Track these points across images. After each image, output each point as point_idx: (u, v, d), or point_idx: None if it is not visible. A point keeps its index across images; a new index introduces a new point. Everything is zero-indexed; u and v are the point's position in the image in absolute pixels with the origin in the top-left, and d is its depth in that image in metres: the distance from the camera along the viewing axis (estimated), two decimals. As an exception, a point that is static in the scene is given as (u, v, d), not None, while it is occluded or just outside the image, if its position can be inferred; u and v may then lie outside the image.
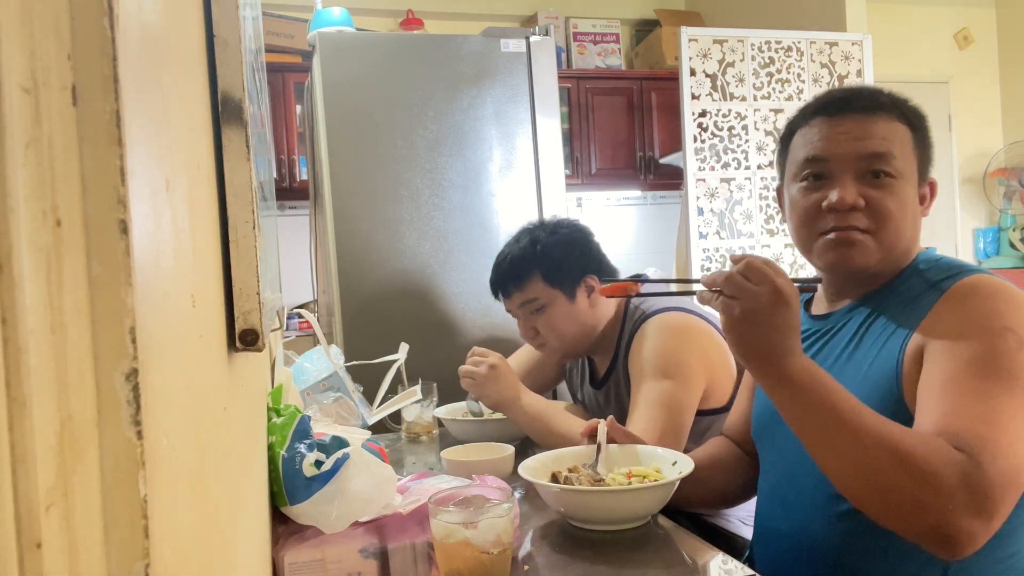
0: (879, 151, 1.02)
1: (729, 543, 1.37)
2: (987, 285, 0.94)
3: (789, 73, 3.45)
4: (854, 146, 1.02)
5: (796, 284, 0.91)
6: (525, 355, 1.81)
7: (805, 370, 0.87)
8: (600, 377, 1.64)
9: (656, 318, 1.50)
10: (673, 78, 3.58)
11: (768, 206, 3.48)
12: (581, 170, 4.17)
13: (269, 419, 0.94)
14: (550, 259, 1.55)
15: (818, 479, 0.92)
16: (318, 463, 0.87)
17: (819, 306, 1.15)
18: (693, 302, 1.62)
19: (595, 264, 1.59)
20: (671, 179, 4.12)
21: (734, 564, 0.97)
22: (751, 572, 0.92)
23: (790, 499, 1.08)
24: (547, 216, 1.76)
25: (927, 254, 1.07)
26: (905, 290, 1.02)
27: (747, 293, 0.87)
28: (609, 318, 1.60)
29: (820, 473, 0.91)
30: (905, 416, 0.93)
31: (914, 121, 1.07)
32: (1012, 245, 4.80)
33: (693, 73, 3.30)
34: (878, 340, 1.00)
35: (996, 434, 0.82)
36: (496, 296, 1.65)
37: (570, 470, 1.17)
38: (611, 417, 1.26)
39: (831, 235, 1.03)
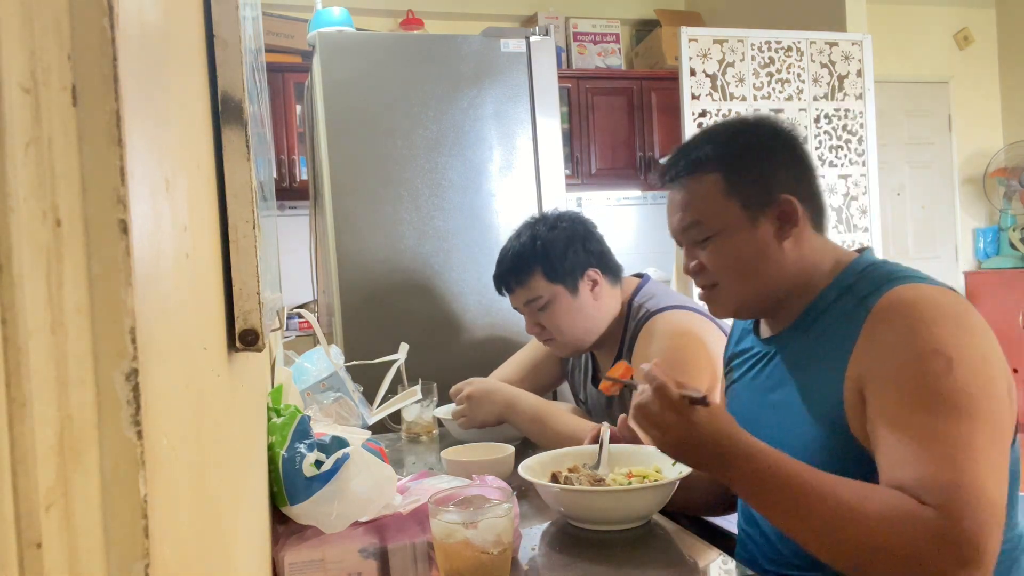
0: (685, 224, 1.07)
1: (729, 543, 1.37)
2: (910, 300, 0.90)
3: (789, 73, 3.45)
4: (674, 222, 1.09)
5: (688, 397, 0.88)
6: (525, 356, 1.81)
7: (752, 471, 0.85)
8: (604, 376, 1.64)
9: (661, 316, 1.50)
10: (673, 78, 3.58)
11: (768, 206, 3.48)
12: (581, 170, 4.17)
13: (269, 419, 0.94)
14: (550, 255, 1.55)
15: None
16: (318, 463, 0.87)
17: (765, 330, 1.14)
18: (695, 300, 1.62)
19: (597, 257, 1.58)
20: (671, 179, 4.11)
21: (734, 564, 0.97)
22: (751, 572, 0.93)
23: None
24: (550, 209, 1.75)
25: (858, 262, 1.02)
26: (834, 311, 0.99)
27: (652, 428, 0.90)
28: (614, 315, 1.59)
29: None
30: (854, 448, 0.91)
31: (728, 160, 1.04)
32: (1012, 245, 4.80)
33: (693, 73, 3.30)
34: (816, 371, 0.99)
35: (957, 475, 0.79)
36: (500, 292, 1.65)
37: (570, 470, 1.17)
38: (623, 417, 1.25)
39: (700, 290, 1.12)
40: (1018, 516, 0.97)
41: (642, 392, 0.91)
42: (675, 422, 0.87)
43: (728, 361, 1.23)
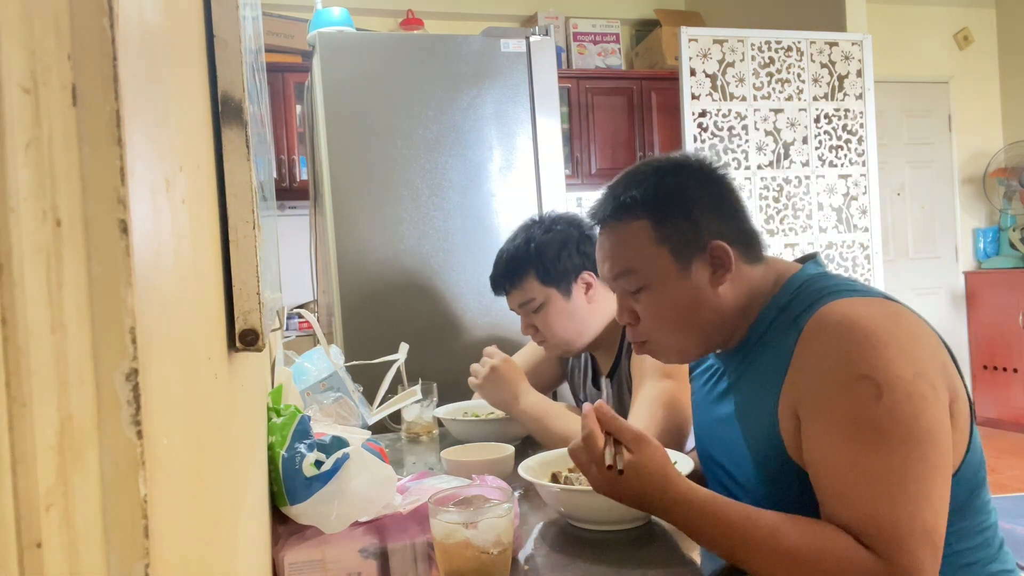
0: (616, 272, 1.03)
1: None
2: (835, 322, 0.88)
3: (789, 73, 3.45)
4: (606, 269, 1.05)
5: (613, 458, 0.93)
6: (526, 356, 1.81)
7: (681, 517, 0.89)
8: (603, 376, 1.64)
9: None
10: (673, 78, 3.58)
11: (768, 206, 3.48)
12: (581, 170, 4.17)
13: (269, 419, 0.94)
14: (543, 258, 1.55)
15: (751, 497, 0.94)
16: (318, 463, 0.87)
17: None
18: None
19: (592, 260, 1.57)
20: (671, 179, 4.11)
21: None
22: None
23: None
24: (547, 210, 1.75)
25: (796, 278, 1.00)
26: (771, 332, 0.98)
27: (583, 472, 0.96)
28: (612, 315, 1.59)
29: (752, 487, 0.95)
30: (792, 469, 0.91)
31: (655, 205, 1.00)
32: (1012, 245, 4.80)
33: (693, 73, 3.30)
34: (756, 391, 0.98)
35: (893, 511, 0.79)
36: (496, 293, 1.65)
37: (571, 470, 1.17)
38: (599, 402, 1.25)
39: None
40: (993, 511, 0.97)
41: (579, 435, 0.96)
42: (597, 475, 0.93)
43: (691, 370, 1.22)
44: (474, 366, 1.58)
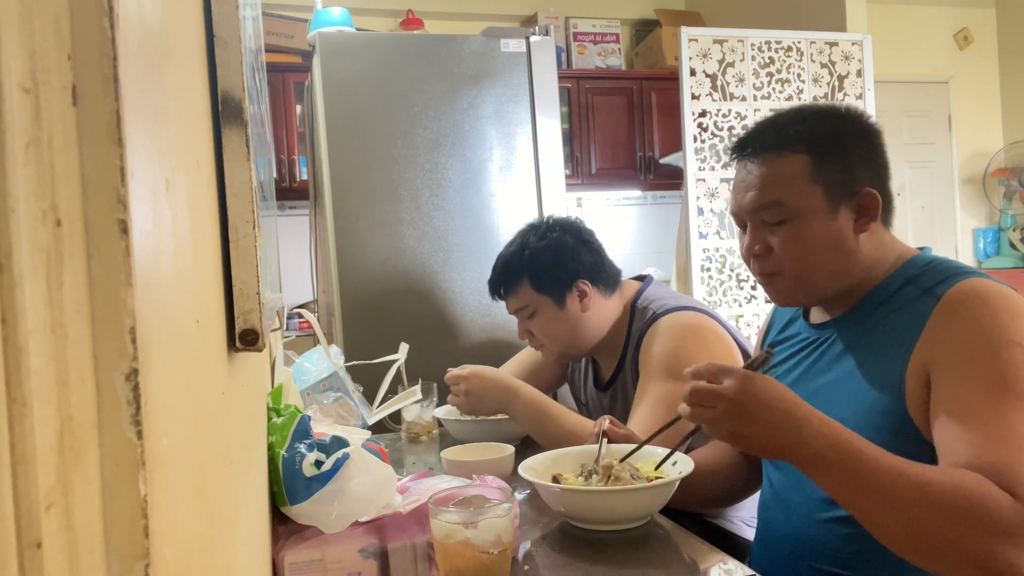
0: (763, 202, 1.04)
1: (731, 544, 1.37)
2: (983, 293, 0.93)
3: (789, 73, 3.45)
4: (747, 199, 1.06)
5: (752, 367, 0.91)
6: (525, 357, 1.81)
7: (822, 451, 0.84)
8: (606, 379, 1.63)
9: (668, 317, 1.48)
10: (673, 78, 3.57)
11: (768, 206, 3.48)
12: (581, 170, 4.17)
13: (269, 419, 0.94)
14: (537, 265, 1.54)
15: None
16: (318, 463, 0.87)
17: (816, 315, 1.15)
18: (699, 300, 1.62)
19: (588, 268, 1.56)
20: (671, 179, 4.12)
21: (735, 564, 0.97)
22: (752, 573, 0.92)
23: (791, 503, 1.08)
24: (547, 215, 1.75)
25: (920, 257, 1.05)
26: (898, 298, 1.01)
27: (710, 406, 0.88)
28: (614, 319, 1.58)
29: None
30: (910, 431, 0.93)
31: (818, 144, 1.02)
32: (1012, 245, 4.80)
33: (693, 73, 3.30)
34: (876, 351, 1.00)
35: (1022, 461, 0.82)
36: (493, 298, 1.65)
37: (605, 467, 1.16)
38: (608, 417, 1.25)
39: (758, 276, 1.10)
40: None
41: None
42: (733, 385, 0.86)
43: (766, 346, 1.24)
44: (450, 397, 1.56)
